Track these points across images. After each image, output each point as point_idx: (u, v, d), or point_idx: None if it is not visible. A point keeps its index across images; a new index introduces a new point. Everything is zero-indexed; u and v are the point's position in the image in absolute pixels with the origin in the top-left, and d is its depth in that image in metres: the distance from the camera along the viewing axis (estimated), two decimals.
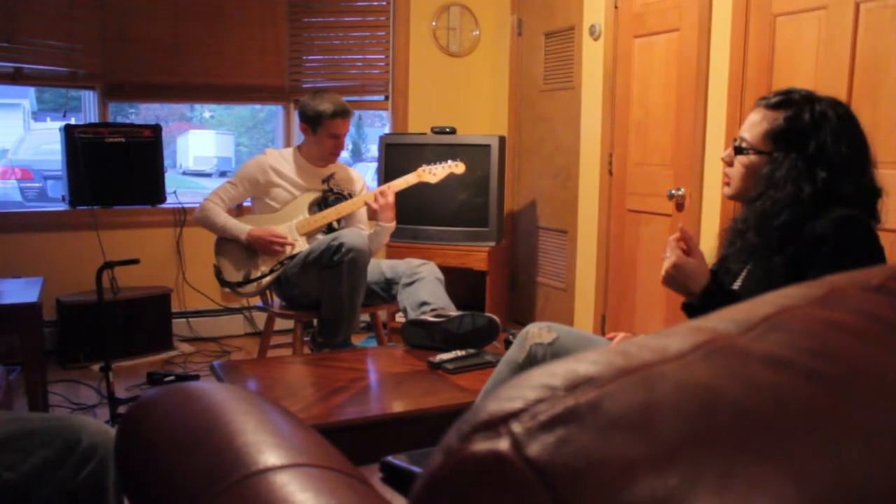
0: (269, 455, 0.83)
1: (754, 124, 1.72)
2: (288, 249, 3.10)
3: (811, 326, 0.58)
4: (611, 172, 3.75)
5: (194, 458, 0.88)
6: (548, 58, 4.29)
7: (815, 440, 0.48)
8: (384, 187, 3.19)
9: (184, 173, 13.37)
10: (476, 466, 0.46)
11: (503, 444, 0.45)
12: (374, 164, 3.81)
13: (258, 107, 12.16)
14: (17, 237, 4.07)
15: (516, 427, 0.46)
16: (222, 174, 12.99)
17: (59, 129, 4.21)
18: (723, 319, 0.58)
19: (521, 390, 0.49)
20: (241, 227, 3.13)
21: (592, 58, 3.84)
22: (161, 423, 0.98)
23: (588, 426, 0.46)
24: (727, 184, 1.79)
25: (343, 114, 3.16)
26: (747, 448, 0.47)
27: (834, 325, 0.58)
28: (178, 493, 0.86)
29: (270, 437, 0.89)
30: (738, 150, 1.72)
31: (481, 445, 0.46)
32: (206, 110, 14.15)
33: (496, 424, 0.47)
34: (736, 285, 1.72)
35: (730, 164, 1.77)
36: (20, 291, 2.96)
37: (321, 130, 3.18)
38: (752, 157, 1.69)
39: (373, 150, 11.50)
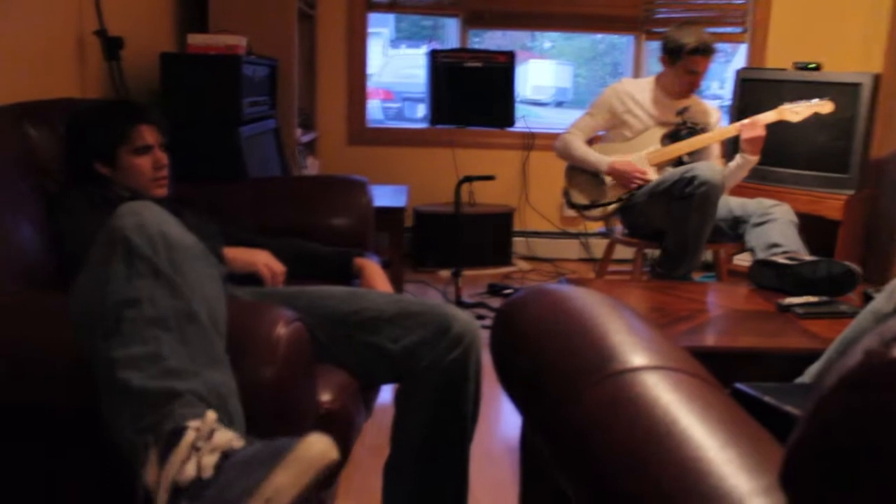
0: (639, 356, 0.89)
1: None
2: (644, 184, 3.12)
3: None
4: None
5: (570, 350, 0.96)
6: None
7: None
8: (753, 119, 3.08)
9: (521, 102, 13.74)
10: None
11: None
12: (716, 101, 3.67)
13: (598, 38, 12.11)
14: (385, 150, 4.53)
15: None
16: (558, 104, 13.21)
17: (426, 54, 4.57)
18: None
19: None
20: (602, 160, 3.21)
21: None
22: (536, 319, 1.07)
23: None
24: None
25: (704, 51, 3.10)
26: None
27: None
28: (557, 378, 0.95)
29: (638, 340, 0.94)
30: None
31: None
32: (547, 40, 14.34)
33: None
34: None
35: None
36: (391, 196, 3.33)
37: (679, 64, 3.14)
38: None
39: (713, 87, 10.97)
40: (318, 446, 0.96)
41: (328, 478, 0.99)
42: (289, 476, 0.93)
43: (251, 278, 1.79)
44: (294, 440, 0.96)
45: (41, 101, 1.96)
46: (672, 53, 3.16)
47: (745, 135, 3.05)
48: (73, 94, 2.39)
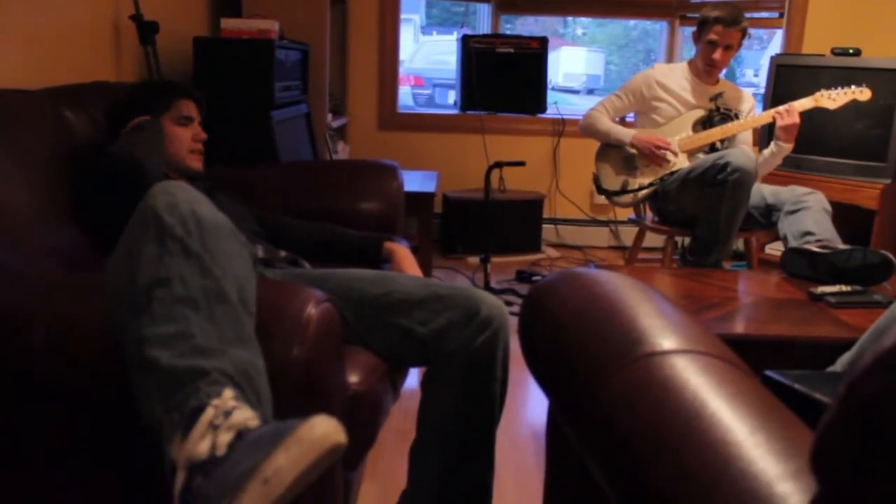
0: (669, 339, 0.88)
1: None
2: (670, 157, 3.10)
3: None
4: None
5: (599, 333, 0.96)
6: None
7: None
8: (788, 106, 3.03)
9: (552, 89, 13.61)
10: None
11: None
12: (751, 89, 3.61)
13: (631, 24, 11.99)
14: (416, 136, 4.53)
15: None
16: (590, 92, 13.12)
17: (457, 40, 4.56)
18: None
19: None
20: (626, 132, 3.19)
21: None
22: (565, 303, 1.07)
23: None
24: None
25: (725, 22, 3.05)
26: None
27: None
28: (586, 361, 0.94)
29: (668, 324, 0.93)
30: None
31: None
32: (579, 27, 14.21)
33: None
34: None
35: None
36: (420, 181, 3.34)
37: (702, 36, 3.13)
38: None
39: (748, 74, 10.81)
40: (321, 428, 0.94)
41: (335, 460, 0.98)
42: (289, 457, 0.92)
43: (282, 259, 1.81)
44: (298, 421, 0.95)
45: (77, 84, 1.99)
46: (698, 27, 3.15)
47: (780, 122, 3.01)
48: (108, 78, 2.41)
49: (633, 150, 3.20)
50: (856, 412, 0.51)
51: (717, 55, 3.11)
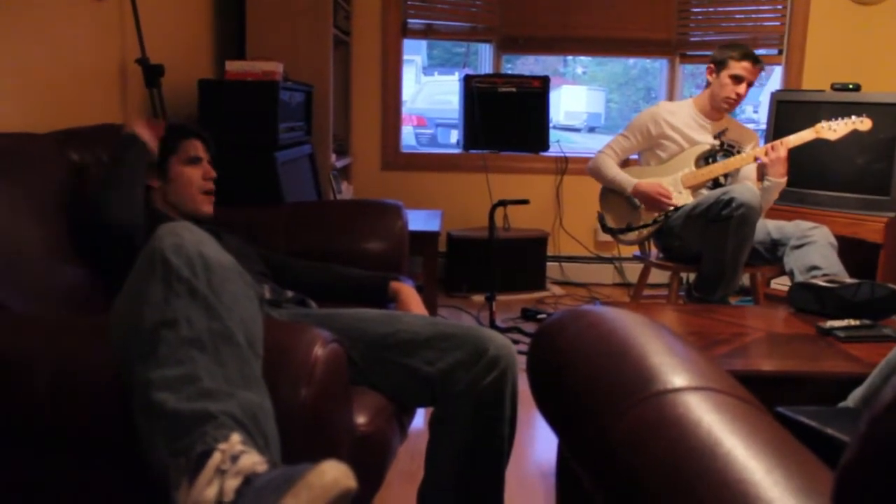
0: (680, 377, 0.87)
1: None
2: (671, 208, 3.11)
3: None
4: None
5: (610, 371, 0.95)
6: None
7: None
8: (777, 142, 3.05)
9: (554, 127, 13.67)
10: None
11: None
12: (751, 126, 3.66)
13: (631, 63, 12.12)
14: (419, 175, 4.55)
15: None
16: (591, 130, 13.21)
17: (460, 80, 4.60)
18: None
19: None
20: (629, 181, 3.19)
21: None
22: (574, 340, 1.06)
23: None
24: None
25: (751, 58, 3.11)
26: None
27: None
28: (596, 399, 0.93)
29: (679, 361, 0.93)
30: None
31: None
32: (579, 66, 14.34)
33: None
34: None
35: None
36: (425, 221, 3.35)
37: (724, 72, 3.13)
38: None
39: (748, 111, 10.90)
40: (331, 473, 0.92)
41: None
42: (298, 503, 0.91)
43: (289, 300, 1.80)
44: (307, 467, 0.93)
45: (83, 127, 2.01)
46: (718, 63, 3.16)
47: (763, 159, 3.04)
48: (114, 120, 2.43)
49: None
50: (878, 449, 0.50)
51: (742, 90, 3.14)
